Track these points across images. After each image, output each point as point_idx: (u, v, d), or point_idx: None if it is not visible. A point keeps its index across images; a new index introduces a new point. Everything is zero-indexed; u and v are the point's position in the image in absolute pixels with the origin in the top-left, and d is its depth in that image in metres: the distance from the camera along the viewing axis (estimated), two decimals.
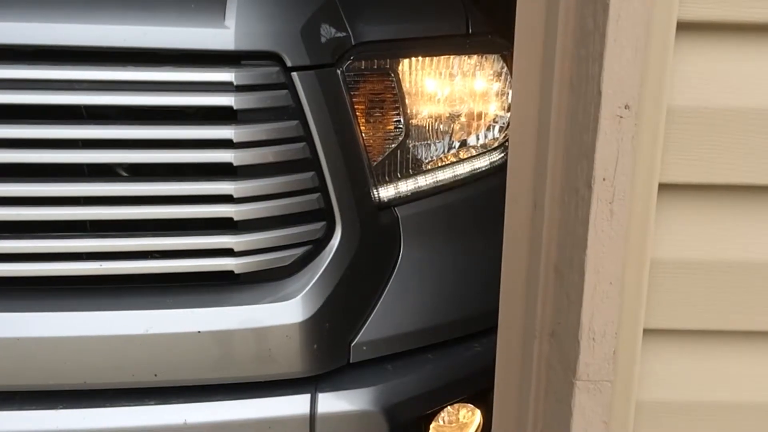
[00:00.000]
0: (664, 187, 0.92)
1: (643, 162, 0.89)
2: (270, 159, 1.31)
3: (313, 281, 1.37)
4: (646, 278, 0.94)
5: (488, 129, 1.62)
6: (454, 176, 1.59)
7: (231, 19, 1.26)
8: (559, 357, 1.01)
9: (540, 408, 1.08)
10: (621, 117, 0.86)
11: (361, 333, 1.44)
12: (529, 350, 1.09)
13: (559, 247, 1.01)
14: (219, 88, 1.27)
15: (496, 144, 1.63)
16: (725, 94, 0.89)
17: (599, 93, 0.86)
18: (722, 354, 1.00)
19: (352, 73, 1.41)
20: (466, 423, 1.60)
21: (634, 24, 0.83)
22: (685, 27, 0.87)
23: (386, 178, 1.49)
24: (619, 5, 0.83)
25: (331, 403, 1.38)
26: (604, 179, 0.88)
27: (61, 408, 1.31)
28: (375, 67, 1.45)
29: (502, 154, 1.62)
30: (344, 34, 1.41)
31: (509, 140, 1.07)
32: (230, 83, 1.26)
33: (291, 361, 1.35)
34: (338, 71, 1.38)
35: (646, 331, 0.97)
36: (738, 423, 1.01)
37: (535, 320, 1.06)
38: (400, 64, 1.48)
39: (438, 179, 1.57)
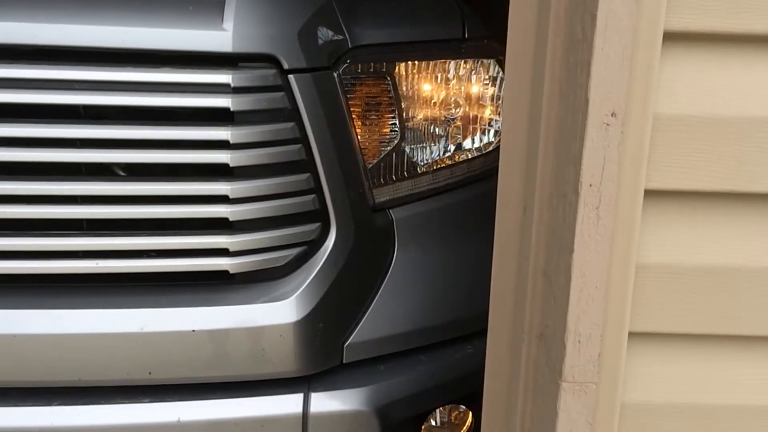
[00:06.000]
0: (649, 194, 0.94)
1: (629, 168, 0.91)
2: (266, 160, 1.33)
3: (308, 282, 1.38)
4: (632, 282, 0.95)
5: (483, 133, 1.63)
6: (449, 179, 1.60)
7: (229, 22, 1.27)
8: (546, 359, 1.03)
9: (527, 409, 1.09)
10: (608, 124, 0.87)
11: (354, 333, 1.45)
12: (517, 352, 1.11)
13: (547, 250, 1.02)
14: (216, 89, 1.28)
15: (490, 148, 1.65)
16: (710, 103, 0.91)
17: (587, 100, 0.87)
18: (706, 357, 1.02)
19: (348, 76, 1.42)
20: (457, 424, 1.61)
21: (620, 33, 0.85)
22: (671, 37, 0.88)
23: (381, 180, 1.50)
24: (606, 15, 0.84)
25: (324, 402, 1.39)
26: (590, 185, 0.90)
27: (56, 405, 1.32)
28: (371, 70, 1.46)
29: (497, 158, 1.63)
30: (341, 37, 1.42)
31: (500, 145, 1.08)
32: (227, 85, 1.28)
33: (284, 361, 1.36)
34: (335, 74, 1.39)
35: (631, 334, 0.99)
36: (721, 426, 1.03)
37: (524, 322, 1.08)
38: (397, 68, 1.49)
39: (433, 182, 1.58)
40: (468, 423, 1.60)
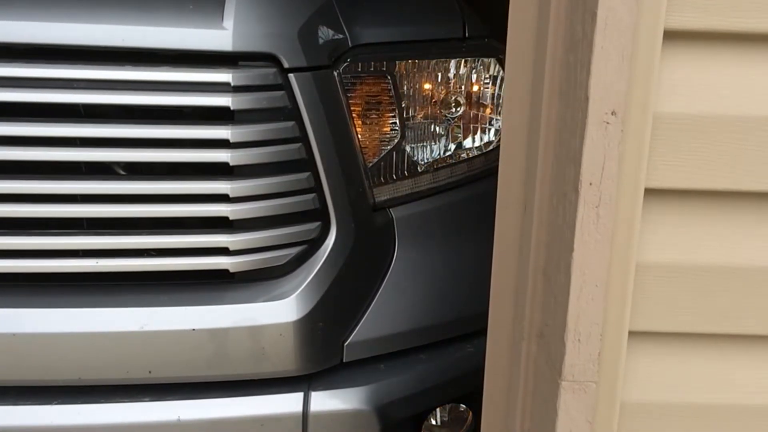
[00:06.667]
0: (649, 192, 0.94)
1: (629, 167, 0.90)
2: (266, 159, 1.32)
3: (308, 281, 1.38)
4: (632, 281, 0.95)
5: (483, 132, 1.63)
6: (449, 178, 1.60)
7: (229, 20, 1.27)
8: (546, 358, 1.03)
9: (527, 408, 1.09)
10: (608, 123, 0.87)
11: (354, 332, 1.45)
12: (517, 351, 1.11)
13: (547, 249, 1.02)
14: (216, 88, 1.28)
15: (491, 147, 1.65)
16: (711, 102, 0.91)
17: (587, 99, 0.87)
18: (706, 357, 1.02)
19: (348, 75, 1.42)
20: (458, 423, 1.61)
21: (620, 32, 0.84)
22: (671, 35, 0.88)
23: (381, 179, 1.50)
24: (606, 13, 0.84)
25: (324, 401, 1.39)
26: (590, 184, 0.90)
27: (55, 403, 1.32)
28: (371, 69, 1.46)
29: (497, 157, 1.63)
30: (341, 36, 1.42)
31: (500, 144, 1.08)
32: (227, 84, 1.28)
33: (284, 360, 1.36)
34: (335, 73, 1.39)
35: (631, 333, 0.99)
36: (721, 425, 1.03)
37: (524, 321, 1.08)
38: (397, 67, 1.49)
39: (433, 181, 1.58)
40: (468, 422, 1.60)
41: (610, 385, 0.98)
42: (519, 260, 1.08)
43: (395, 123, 1.50)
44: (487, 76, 1.60)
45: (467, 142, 1.62)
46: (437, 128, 1.57)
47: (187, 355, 1.33)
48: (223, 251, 1.33)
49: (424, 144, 1.56)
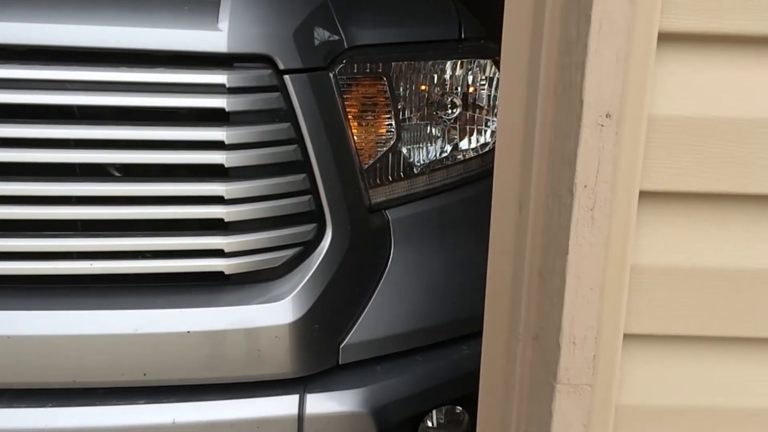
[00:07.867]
0: (644, 195, 0.93)
1: (624, 170, 0.90)
2: (261, 161, 1.32)
3: (303, 282, 1.38)
4: (627, 284, 0.95)
5: (479, 133, 1.63)
6: (445, 180, 1.60)
7: (224, 22, 1.27)
8: (541, 360, 1.03)
9: (523, 410, 1.09)
10: (602, 125, 0.87)
11: (350, 334, 1.44)
12: (512, 353, 1.10)
13: (542, 251, 1.02)
14: (211, 89, 1.28)
15: (487, 148, 1.65)
16: (706, 104, 0.91)
17: (581, 101, 0.87)
18: (702, 359, 1.01)
19: (344, 77, 1.42)
20: (454, 425, 1.61)
21: (615, 34, 0.84)
22: (666, 37, 0.88)
23: (377, 180, 1.50)
24: (600, 15, 0.84)
25: (320, 403, 1.38)
26: (585, 186, 0.90)
27: (50, 406, 1.32)
28: (367, 70, 1.46)
29: (493, 159, 1.63)
30: (337, 37, 1.42)
31: (496, 146, 1.08)
32: (223, 85, 1.27)
33: (280, 362, 1.36)
34: (330, 74, 1.39)
35: (626, 336, 0.98)
36: (717, 428, 1.03)
37: (519, 324, 1.08)
38: (393, 68, 1.49)
39: (429, 183, 1.58)
40: (464, 424, 1.59)
41: (605, 388, 0.98)
42: (514, 262, 1.08)
43: (391, 124, 1.49)
44: (483, 77, 1.60)
45: (463, 144, 1.61)
46: (433, 130, 1.57)
47: (182, 358, 1.33)
48: (218, 253, 1.33)
49: (420, 145, 1.56)
